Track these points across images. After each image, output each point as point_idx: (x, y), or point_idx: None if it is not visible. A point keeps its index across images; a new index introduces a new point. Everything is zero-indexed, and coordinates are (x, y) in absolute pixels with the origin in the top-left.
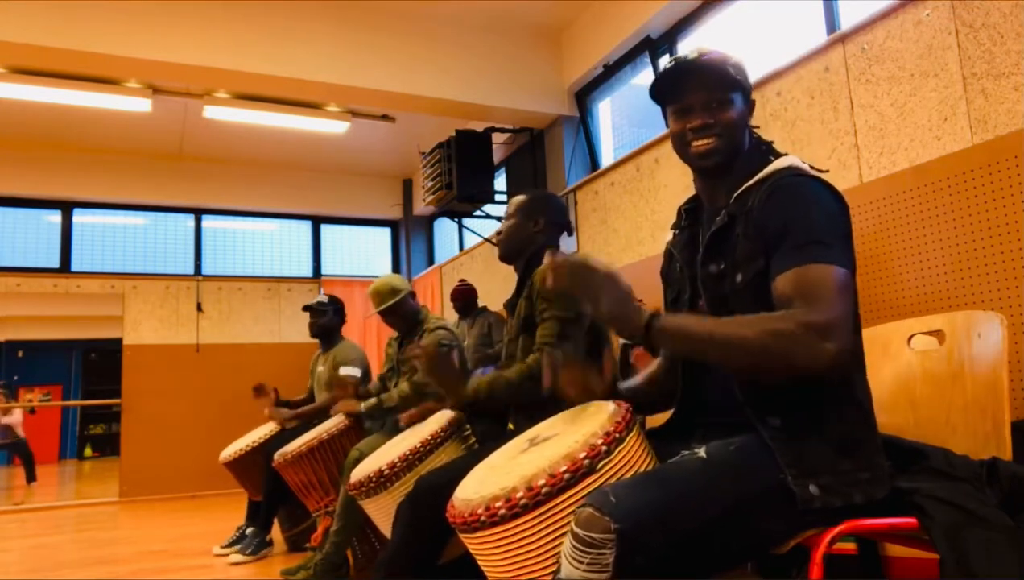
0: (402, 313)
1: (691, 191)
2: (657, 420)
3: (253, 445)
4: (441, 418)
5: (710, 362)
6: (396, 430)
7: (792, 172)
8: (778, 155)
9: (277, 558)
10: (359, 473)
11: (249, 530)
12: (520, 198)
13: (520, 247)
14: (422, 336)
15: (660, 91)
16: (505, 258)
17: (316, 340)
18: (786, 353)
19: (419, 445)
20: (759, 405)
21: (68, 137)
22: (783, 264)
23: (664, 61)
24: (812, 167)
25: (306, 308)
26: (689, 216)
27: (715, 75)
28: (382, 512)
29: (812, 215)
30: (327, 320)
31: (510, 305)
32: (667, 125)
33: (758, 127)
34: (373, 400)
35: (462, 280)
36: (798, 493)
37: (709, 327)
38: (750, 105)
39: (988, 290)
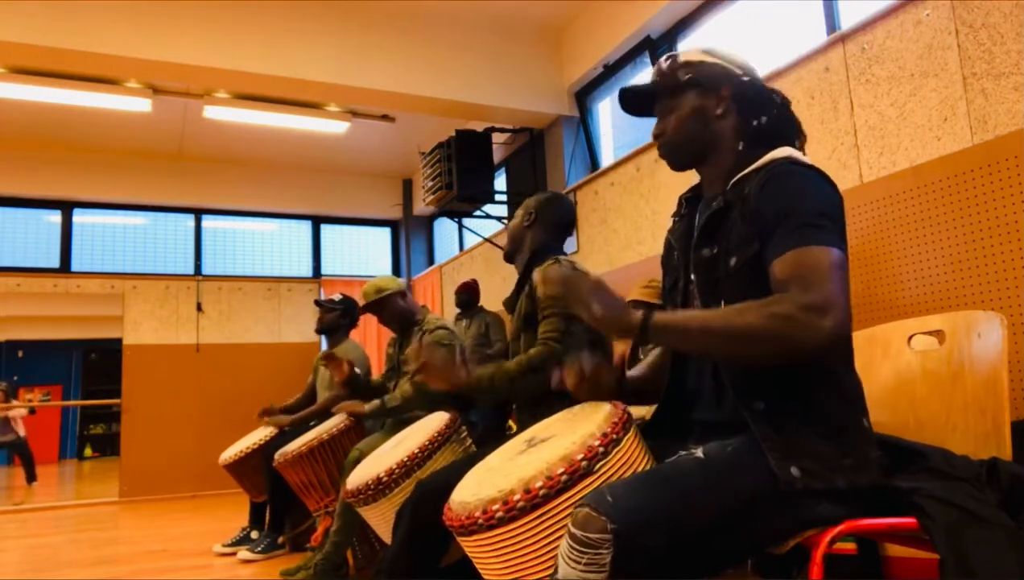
0: (390, 312)
1: None
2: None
3: (253, 447)
4: (438, 420)
5: (709, 354)
6: (396, 430)
7: (789, 161)
8: (776, 145)
9: (277, 558)
10: (356, 480)
11: (254, 532)
12: (528, 199)
13: (515, 245)
14: (421, 337)
15: (635, 105)
16: (506, 257)
17: (319, 339)
18: (788, 335)
19: (417, 450)
20: (744, 389)
21: (68, 137)
22: (779, 248)
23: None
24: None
25: (317, 303)
26: (689, 205)
27: (663, 83)
28: (381, 518)
29: (807, 200)
30: (332, 318)
31: (510, 304)
32: None
33: (761, 117)
34: (376, 402)
35: (472, 279)
36: (779, 475)
37: (705, 319)
38: (722, 92)
39: (988, 290)
